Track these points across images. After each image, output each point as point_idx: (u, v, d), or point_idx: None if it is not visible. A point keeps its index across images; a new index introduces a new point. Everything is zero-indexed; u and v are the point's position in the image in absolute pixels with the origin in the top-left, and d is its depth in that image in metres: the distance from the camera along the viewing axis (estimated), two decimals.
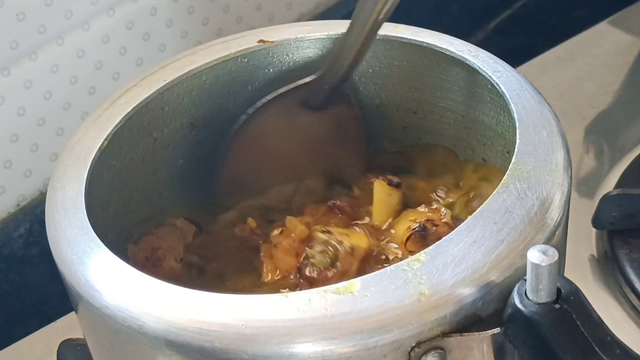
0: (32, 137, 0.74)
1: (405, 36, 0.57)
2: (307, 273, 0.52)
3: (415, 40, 0.56)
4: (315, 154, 0.59)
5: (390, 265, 0.45)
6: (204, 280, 0.55)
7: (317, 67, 0.59)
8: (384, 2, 0.53)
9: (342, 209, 0.56)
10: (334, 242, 0.53)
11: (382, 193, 0.56)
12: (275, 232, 0.54)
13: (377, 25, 0.54)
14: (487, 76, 0.54)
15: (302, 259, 0.53)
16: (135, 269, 0.46)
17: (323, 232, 0.53)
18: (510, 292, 0.44)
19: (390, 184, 0.56)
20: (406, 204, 0.56)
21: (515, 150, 0.49)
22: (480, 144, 0.58)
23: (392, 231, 0.55)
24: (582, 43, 0.89)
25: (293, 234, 0.54)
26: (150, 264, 0.55)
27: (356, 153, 0.59)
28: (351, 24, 0.55)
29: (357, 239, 0.53)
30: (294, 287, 0.53)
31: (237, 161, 0.58)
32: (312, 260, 0.52)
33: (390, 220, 0.55)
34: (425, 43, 0.55)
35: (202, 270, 0.56)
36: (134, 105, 0.55)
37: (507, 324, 0.44)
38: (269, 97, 0.58)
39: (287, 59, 0.59)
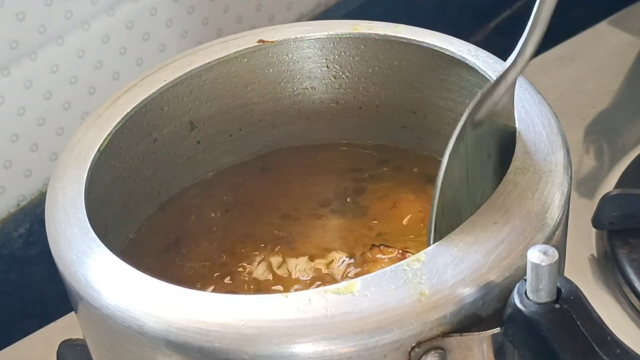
0: (32, 137, 0.74)
1: (405, 36, 0.57)
2: None
3: (415, 40, 0.56)
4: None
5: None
6: None
7: (316, 67, 0.59)
8: None
9: None
10: None
11: None
12: None
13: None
14: (487, 76, 0.53)
15: None
16: (135, 269, 0.46)
17: None
18: (510, 292, 0.44)
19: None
20: None
21: (515, 150, 0.49)
22: None
23: None
24: (582, 43, 0.89)
25: None
26: None
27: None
28: (534, 19, 0.52)
29: None
30: None
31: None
32: None
33: None
34: (425, 43, 0.55)
35: None
36: (134, 105, 0.55)
37: (507, 323, 0.44)
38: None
39: (287, 59, 0.59)
